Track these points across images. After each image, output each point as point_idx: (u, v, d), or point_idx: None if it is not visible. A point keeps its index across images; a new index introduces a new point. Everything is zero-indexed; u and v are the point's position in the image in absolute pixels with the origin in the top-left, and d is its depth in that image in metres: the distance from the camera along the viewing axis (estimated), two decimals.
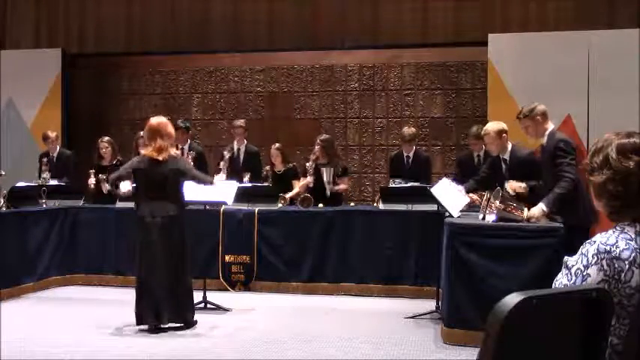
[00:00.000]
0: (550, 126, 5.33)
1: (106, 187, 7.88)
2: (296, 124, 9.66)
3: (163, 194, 5.42)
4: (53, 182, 7.93)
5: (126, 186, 5.81)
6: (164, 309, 5.39)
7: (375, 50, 9.54)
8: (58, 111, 10.01)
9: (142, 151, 5.67)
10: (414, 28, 9.35)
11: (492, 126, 5.92)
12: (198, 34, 9.93)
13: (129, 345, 5.08)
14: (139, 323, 5.43)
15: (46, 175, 7.97)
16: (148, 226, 5.41)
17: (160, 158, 5.43)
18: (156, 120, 5.63)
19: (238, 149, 8.00)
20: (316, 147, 7.51)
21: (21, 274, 6.88)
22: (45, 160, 8.20)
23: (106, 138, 8.12)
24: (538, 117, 5.27)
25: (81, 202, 7.71)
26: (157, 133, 5.50)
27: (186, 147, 7.74)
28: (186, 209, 5.66)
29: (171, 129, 5.59)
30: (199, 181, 5.61)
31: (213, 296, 6.26)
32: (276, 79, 9.80)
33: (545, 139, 5.31)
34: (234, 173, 7.48)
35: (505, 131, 5.87)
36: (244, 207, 7.10)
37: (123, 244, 7.34)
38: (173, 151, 5.59)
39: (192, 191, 5.72)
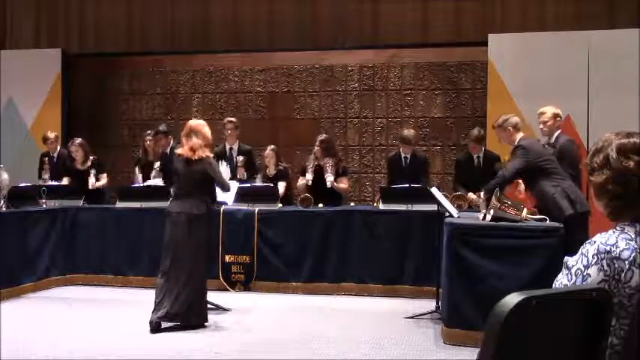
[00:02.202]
0: (519, 136, 5.74)
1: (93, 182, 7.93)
2: (296, 124, 9.66)
3: (192, 192, 5.54)
4: (53, 182, 7.93)
5: None
6: (179, 306, 5.44)
7: (375, 50, 9.54)
8: (58, 111, 10.02)
9: (178, 151, 5.75)
10: (414, 28, 9.35)
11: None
12: (198, 34, 9.93)
13: (129, 345, 5.08)
14: (152, 316, 5.48)
15: (46, 175, 7.99)
16: (174, 222, 5.54)
17: (193, 157, 5.54)
18: (194, 121, 5.80)
19: (230, 148, 7.94)
20: (316, 147, 7.51)
21: (21, 274, 6.88)
22: (46, 159, 8.21)
23: (78, 141, 8.04)
24: (510, 128, 5.73)
25: (81, 202, 7.71)
26: (192, 132, 5.63)
27: (167, 151, 7.74)
28: (215, 210, 5.78)
29: (207, 131, 5.68)
30: (220, 186, 5.72)
31: (213, 296, 6.26)
32: (276, 79, 9.80)
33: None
34: (230, 173, 7.47)
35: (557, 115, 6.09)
36: (244, 207, 7.10)
37: (123, 244, 7.35)
38: (206, 153, 5.62)
39: None
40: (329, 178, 7.26)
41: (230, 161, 7.75)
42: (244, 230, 7.12)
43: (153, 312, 5.45)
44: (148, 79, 10.19)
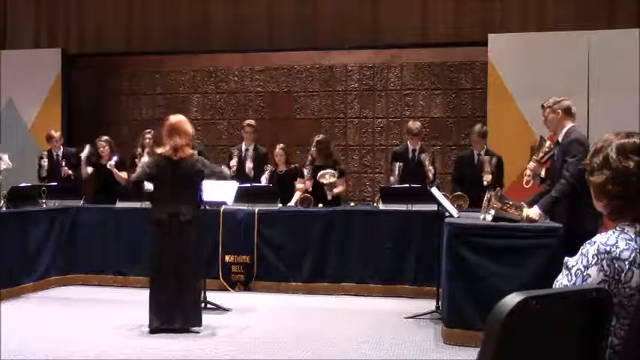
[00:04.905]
0: (569, 124, 5.16)
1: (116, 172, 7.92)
2: (296, 124, 9.66)
3: (180, 195, 5.35)
4: (54, 182, 7.93)
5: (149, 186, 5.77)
6: (175, 311, 5.37)
7: (375, 50, 9.54)
8: (58, 111, 10.01)
9: (158, 150, 5.55)
10: (414, 28, 9.35)
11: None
12: (198, 34, 9.93)
13: (129, 345, 5.08)
14: (151, 325, 5.39)
15: (66, 171, 8.07)
16: (165, 227, 5.35)
17: (177, 158, 5.35)
18: (174, 118, 5.52)
19: (246, 150, 7.99)
20: (312, 148, 7.51)
21: (21, 274, 6.88)
22: (45, 157, 8.21)
23: (105, 137, 8.21)
24: (559, 111, 5.14)
25: (81, 202, 7.72)
26: (174, 131, 5.38)
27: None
28: (201, 210, 5.62)
29: (188, 127, 5.47)
30: (218, 176, 5.57)
31: (213, 296, 6.27)
32: (276, 79, 9.80)
33: (561, 136, 5.15)
34: (242, 174, 7.52)
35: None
36: (244, 207, 7.10)
37: (123, 244, 7.36)
38: (189, 150, 5.44)
39: None
40: (329, 193, 7.24)
41: (244, 162, 7.81)
42: (244, 230, 7.12)
43: (154, 321, 5.37)
44: (148, 79, 10.19)
